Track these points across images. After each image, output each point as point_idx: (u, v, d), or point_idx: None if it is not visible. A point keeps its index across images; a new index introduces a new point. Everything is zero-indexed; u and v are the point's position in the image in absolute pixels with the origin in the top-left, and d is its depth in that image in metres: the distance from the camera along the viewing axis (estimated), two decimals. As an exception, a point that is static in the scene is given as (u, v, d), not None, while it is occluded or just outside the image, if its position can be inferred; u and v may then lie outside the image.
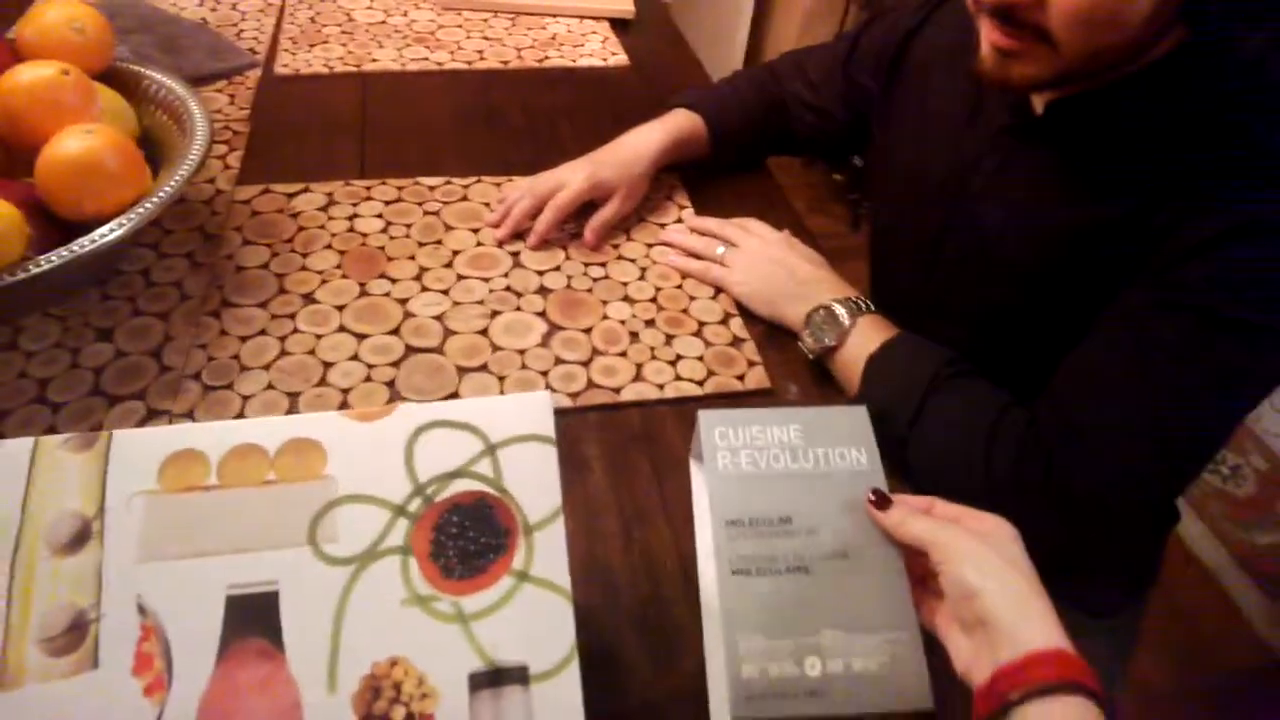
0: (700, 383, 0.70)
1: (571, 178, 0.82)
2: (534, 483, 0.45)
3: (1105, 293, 0.59)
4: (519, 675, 0.42)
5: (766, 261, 0.77)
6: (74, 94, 0.69)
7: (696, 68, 1.22)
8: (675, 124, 0.89)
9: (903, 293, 0.81)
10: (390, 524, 0.44)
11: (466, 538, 0.44)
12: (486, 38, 1.20)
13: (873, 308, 0.71)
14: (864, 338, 0.68)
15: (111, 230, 0.62)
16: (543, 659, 0.42)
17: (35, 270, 0.59)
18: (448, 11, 1.25)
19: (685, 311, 0.77)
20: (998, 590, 0.43)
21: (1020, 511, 0.57)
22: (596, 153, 0.86)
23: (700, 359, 0.72)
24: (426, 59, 1.13)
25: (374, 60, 1.11)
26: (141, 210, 0.64)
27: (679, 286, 0.79)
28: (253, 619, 0.41)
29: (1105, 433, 0.57)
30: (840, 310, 0.70)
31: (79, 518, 0.42)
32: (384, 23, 1.20)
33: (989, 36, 0.58)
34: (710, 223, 0.83)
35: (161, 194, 0.65)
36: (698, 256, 0.81)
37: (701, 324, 0.75)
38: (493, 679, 0.42)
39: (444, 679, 0.42)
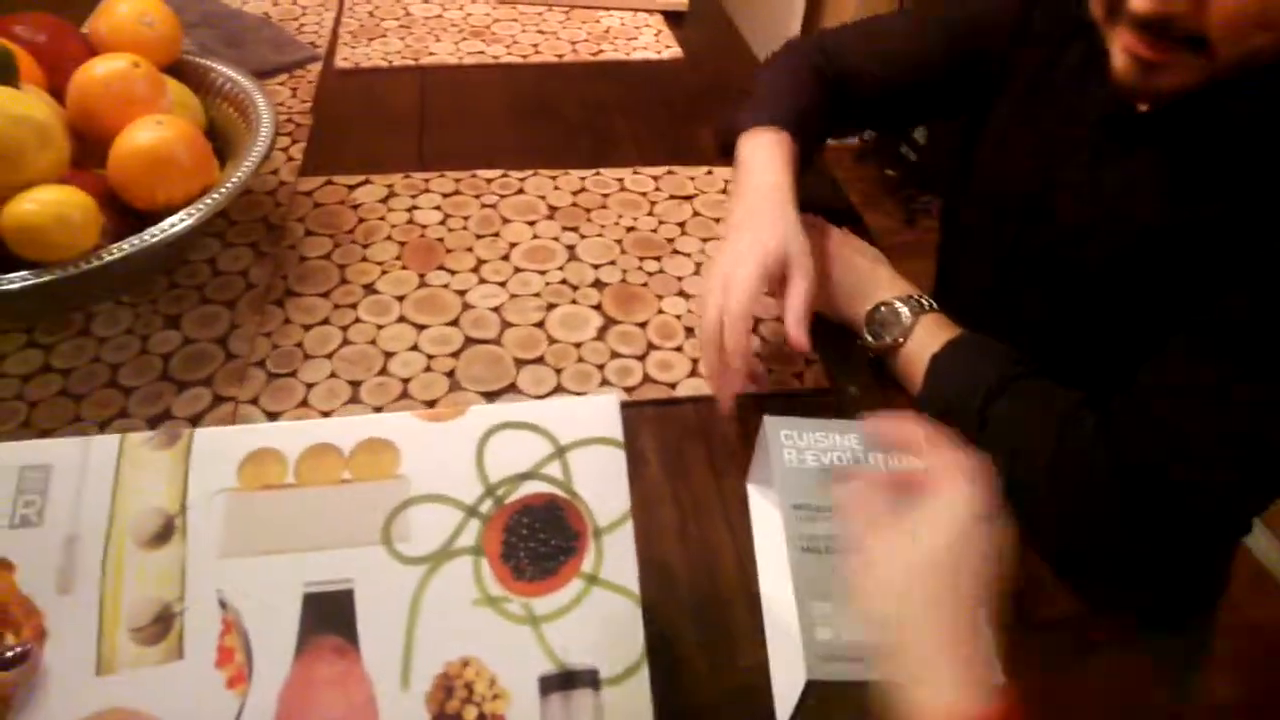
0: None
1: (736, 277, 0.64)
2: (603, 486, 0.46)
3: (1191, 298, 0.57)
4: (590, 679, 0.43)
5: (824, 258, 0.74)
6: (145, 86, 0.70)
7: (750, 59, 1.21)
8: (782, 154, 0.75)
9: (972, 289, 0.79)
10: (462, 524, 0.45)
11: (537, 539, 0.45)
12: (541, 31, 1.20)
13: (934, 305, 0.69)
14: (927, 336, 0.66)
15: (181, 220, 0.63)
16: (613, 664, 0.43)
17: (109, 258, 0.60)
18: (503, 5, 1.26)
19: (741, 307, 0.76)
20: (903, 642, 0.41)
21: (1088, 511, 0.56)
22: (738, 228, 0.68)
23: (757, 355, 0.71)
24: (483, 53, 1.13)
25: (431, 54, 1.12)
26: (210, 200, 0.65)
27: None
28: (329, 616, 0.42)
29: (1191, 441, 0.55)
30: (902, 308, 0.68)
31: (163, 514, 0.43)
32: (440, 17, 1.21)
33: (1129, 48, 0.54)
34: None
35: (229, 185, 0.66)
36: None
37: (758, 320, 0.75)
38: (563, 682, 0.42)
39: (515, 680, 0.42)
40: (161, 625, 0.42)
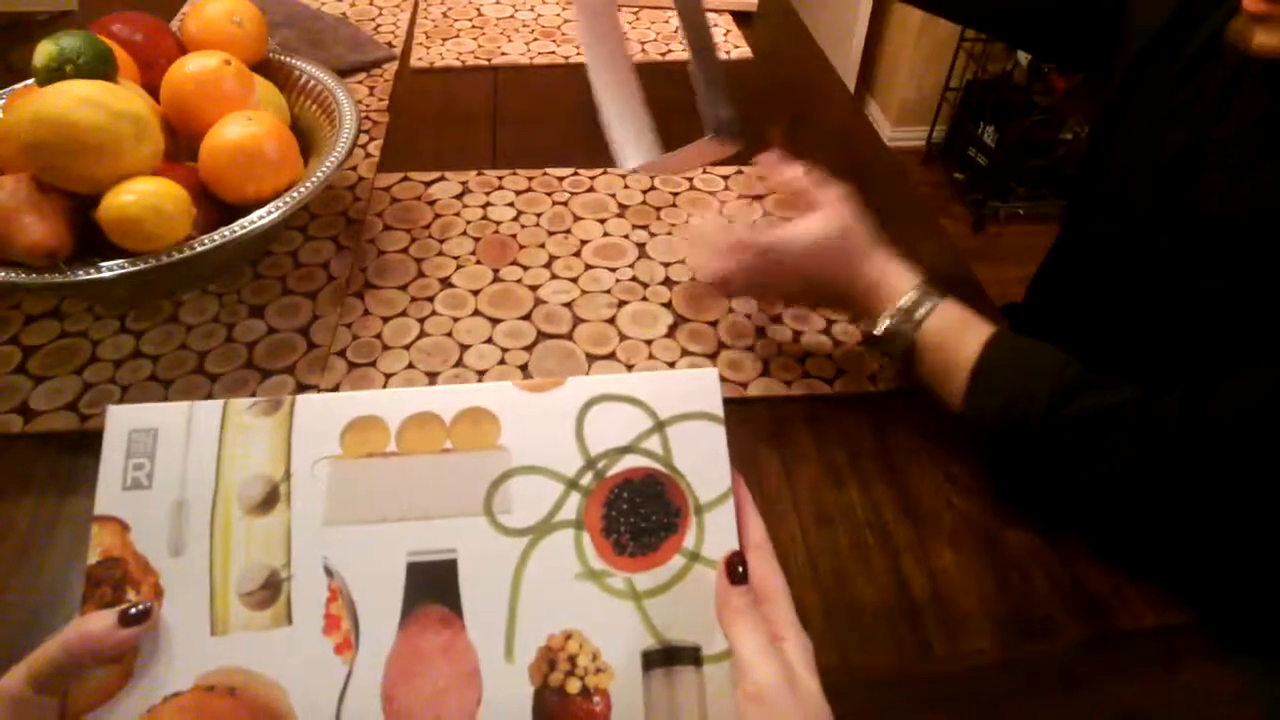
0: (830, 381, 0.69)
1: None
2: (704, 462, 0.45)
3: None
4: (692, 656, 0.42)
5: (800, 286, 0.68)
6: (235, 83, 0.72)
7: (820, 60, 1.20)
8: None
9: (1093, 281, 0.75)
10: (563, 497, 0.45)
11: (638, 514, 0.45)
12: None
13: (944, 294, 0.64)
14: (949, 335, 0.62)
15: (269, 212, 0.65)
16: (715, 641, 0.42)
17: (199, 248, 0.62)
18: (572, 5, 1.27)
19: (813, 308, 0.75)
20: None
21: (1187, 504, 0.54)
22: None
23: (829, 357, 0.71)
24: (553, 53, 1.14)
25: (503, 54, 1.13)
26: (296, 194, 0.66)
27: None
28: (433, 586, 0.43)
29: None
30: (887, 326, 0.63)
31: (268, 480, 0.44)
32: (512, 17, 1.23)
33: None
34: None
35: (314, 179, 0.68)
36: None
37: (830, 321, 0.74)
38: (666, 658, 0.42)
39: (617, 655, 0.42)
40: (270, 591, 0.43)
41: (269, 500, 0.44)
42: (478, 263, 0.78)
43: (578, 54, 1.15)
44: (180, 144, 0.73)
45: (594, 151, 0.93)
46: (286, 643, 0.42)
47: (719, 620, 0.41)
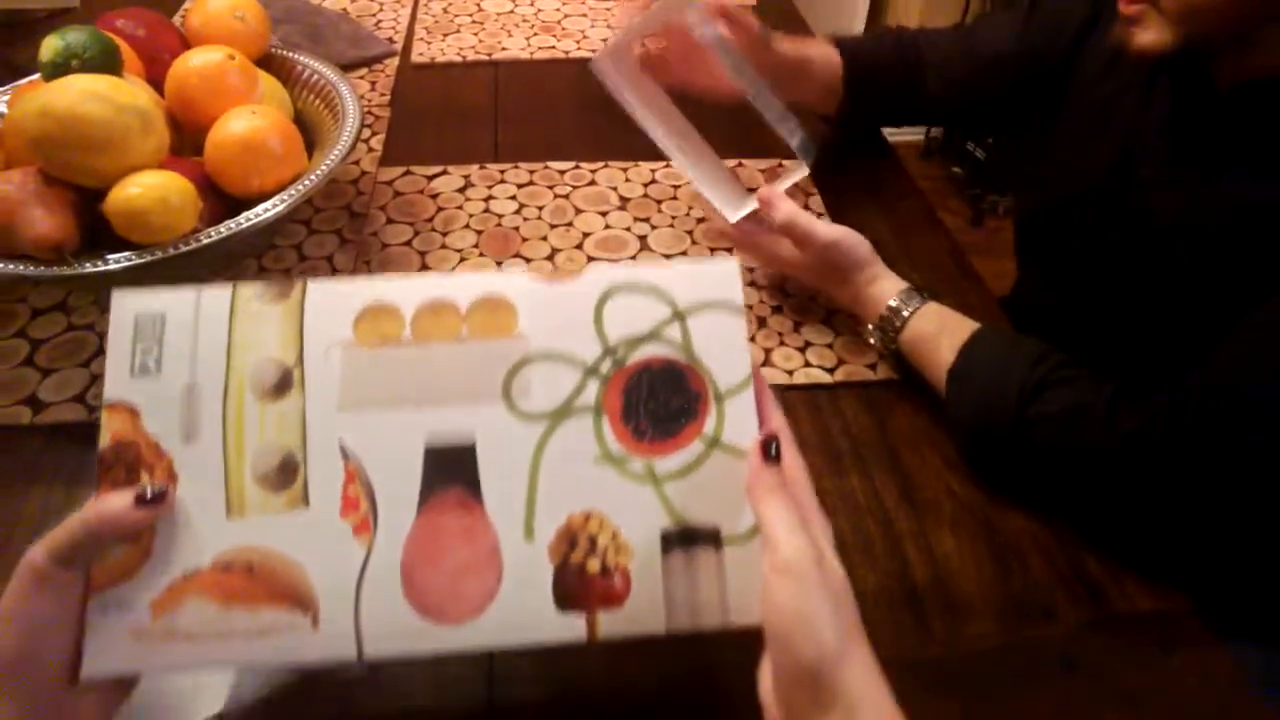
0: (830, 370, 0.69)
1: None
2: (723, 351, 0.45)
3: (1268, 282, 0.56)
4: (711, 537, 0.43)
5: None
6: (239, 77, 0.73)
7: (820, 55, 1.20)
8: (805, 44, 0.87)
9: (1053, 285, 0.78)
10: (582, 384, 0.44)
11: (657, 401, 0.44)
12: (610, 26, 1.21)
13: (928, 296, 0.67)
14: (933, 335, 0.65)
15: (275, 205, 0.65)
16: (735, 524, 0.43)
17: (206, 240, 0.63)
18: (572, 1, 1.27)
19: (813, 299, 0.76)
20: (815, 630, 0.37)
21: (1163, 491, 0.55)
22: None
23: (830, 346, 0.71)
24: (553, 47, 1.15)
25: (504, 49, 1.13)
26: (301, 187, 0.67)
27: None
28: (452, 470, 0.43)
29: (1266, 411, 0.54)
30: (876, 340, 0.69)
31: (280, 366, 0.43)
32: (512, 12, 1.23)
33: (1119, 4, 0.61)
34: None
35: (318, 172, 0.69)
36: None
37: (830, 311, 0.75)
38: (685, 538, 0.43)
39: (637, 535, 0.42)
40: (285, 474, 0.42)
41: (282, 385, 0.43)
42: (481, 255, 0.78)
43: (578, 48, 1.15)
44: (185, 138, 0.73)
45: (595, 145, 0.94)
46: (304, 525, 0.42)
47: (749, 498, 0.41)
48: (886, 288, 0.68)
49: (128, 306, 0.44)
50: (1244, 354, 0.55)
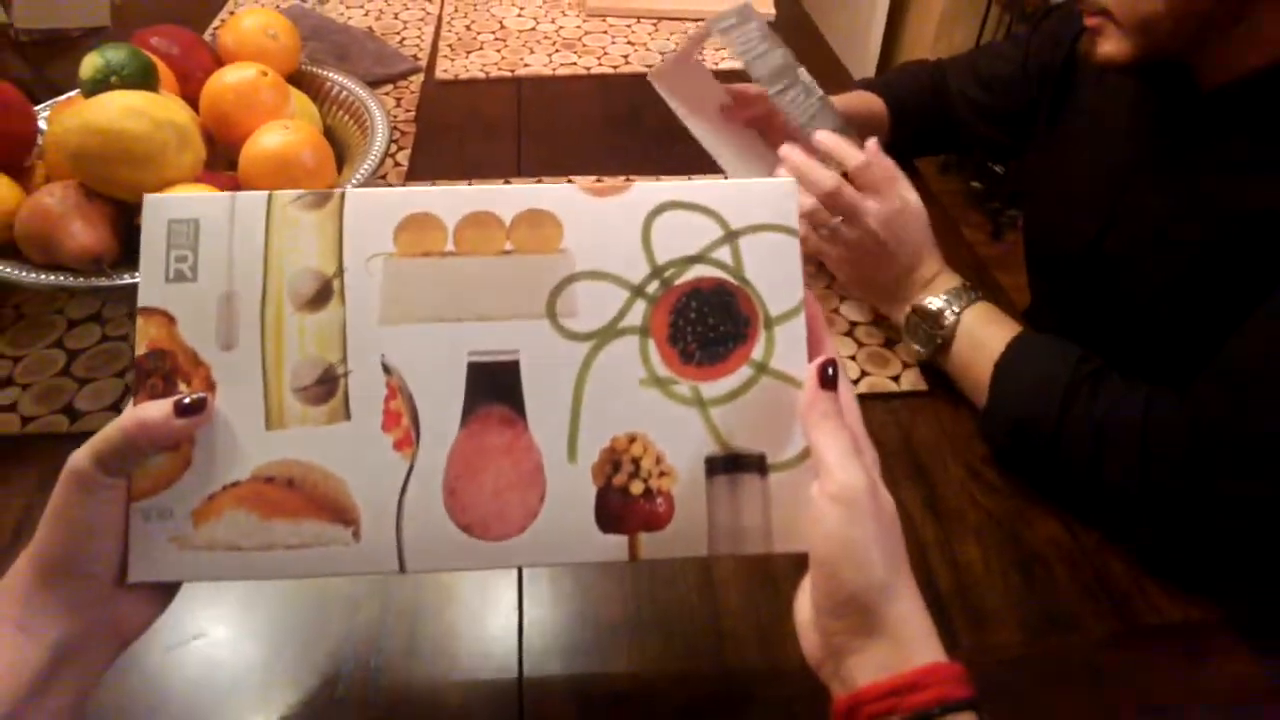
0: (854, 382, 0.70)
1: None
2: (775, 274, 0.44)
3: (1268, 281, 0.57)
4: (756, 464, 0.42)
5: (863, 256, 0.70)
6: (271, 93, 0.75)
7: (838, 68, 1.22)
8: (844, 98, 0.90)
9: (1061, 294, 0.79)
10: (629, 304, 0.43)
11: (706, 324, 0.43)
12: (630, 43, 1.23)
13: (978, 295, 0.68)
14: (969, 339, 0.66)
15: (306, 218, 0.67)
16: (780, 451, 0.42)
17: (240, 253, 0.64)
18: (593, 18, 1.29)
19: (836, 310, 0.77)
20: (883, 576, 0.37)
21: (1181, 503, 0.56)
22: None
23: (853, 358, 0.72)
24: (575, 64, 1.16)
25: (526, 65, 1.15)
26: (332, 200, 0.68)
27: (828, 287, 0.79)
28: (495, 386, 0.42)
29: (1256, 435, 0.54)
30: (937, 306, 0.67)
31: (319, 275, 0.42)
32: (534, 29, 1.25)
33: (1084, 18, 0.65)
34: (836, 183, 0.69)
35: (349, 185, 0.70)
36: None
37: (853, 324, 0.75)
38: (729, 464, 0.42)
39: (681, 459, 0.42)
40: (326, 386, 0.42)
41: (321, 296, 0.42)
42: (506, 268, 0.79)
43: (598, 64, 1.17)
44: (219, 152, 0.75)
45: (616, 160, 0.95)
46: (345, 438, 0.41)
47: (803, 423, 0.41)
48: (948, 279, 0.69)
49: (161, 211, 0.42)
50: (1255, 362, 0.56)
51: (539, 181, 0.91)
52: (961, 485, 0.63)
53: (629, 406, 0.42)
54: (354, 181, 0.70)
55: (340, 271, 0.42)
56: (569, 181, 0.47)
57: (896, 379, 0.70)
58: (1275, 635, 0.61)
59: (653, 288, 0.43)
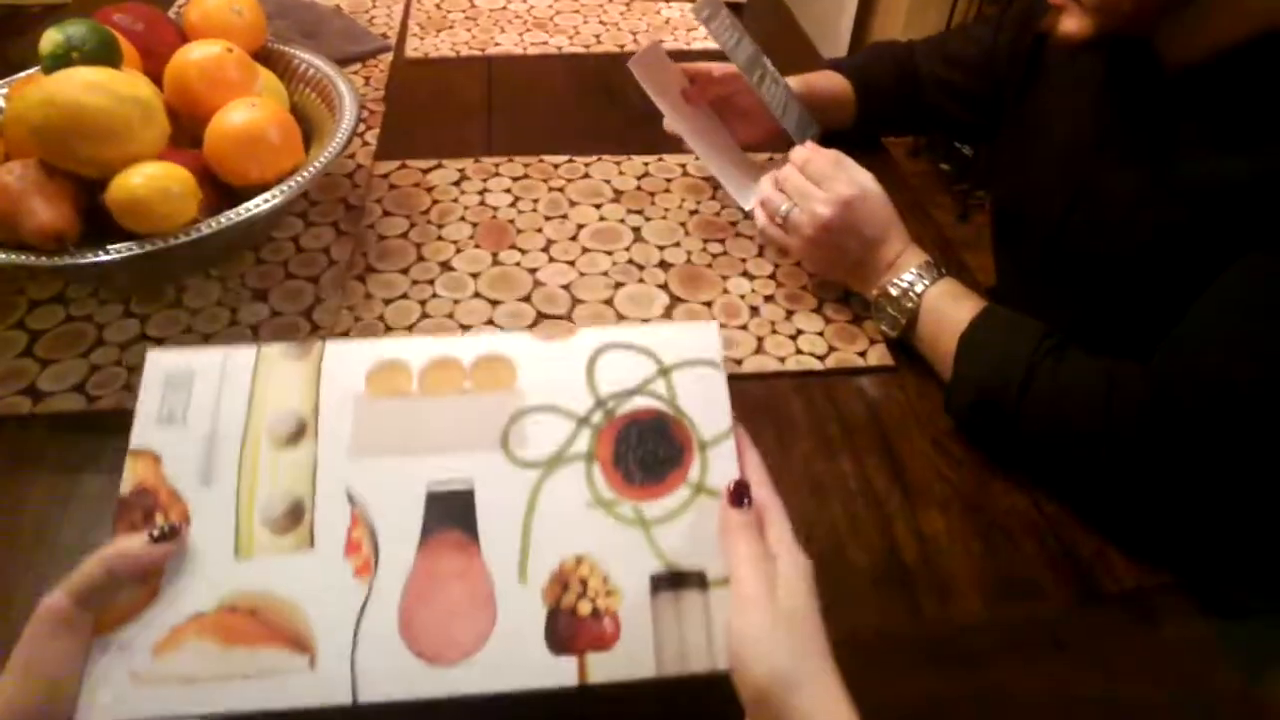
0: (821, 357, 0.71)
1: None
2: (705, 404, 0.48)
3: (1228, 256, 0.58)
4: (697, 580, 0.45)
5: (825, 238, 0.70)
6: (237, 70, 0.74)
7: (810, 51, 1.22)
8: (809, 77, 0.91)
9: (1028, 273, 0.80)
10: (575, 433, 0.47)
11: (645, 448, 0.47)
12: (602, 22, 1.22)
13: (943, 272, 0.69)
14: (935, 314, 0.67)
15: (274, 196, 0.66)
16: (719, 567, 0.45)
17: (207, 231, 0.63)
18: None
19: (804, 288, 0.77)
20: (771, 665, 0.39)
21: (1149, 469, 0.57)
22: None
23: (821, 334, 0.73)
24: (546, 43, 1.16)
25: (497, 44, 1.14)
26: (301, 178, 0.68)
27: (798, 264, 0.80)
28: (451, 513, 0.45)
29: (1238, 389, 0.55)
30: (903, 285, 0.68)
31: (297, 416, 0.47)
32: (505, 9, 1.24)
33: None
34: (785, 170, 0.74)
35: (317, 164, 0.69)
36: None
37: (821, 300, 0.76)
38: (673, 582, 0.45)
39: (627, 578, 0.44)
40: (293, 517, 0.45)
41: (297, 434, 0.47)
42: (476, 247, 0.79)
43: (570, 44, 1.16)
44: (183, 131, 0.74)
45: (589, 138, 0.95)
46: (307, 565, 0.44)
47: (720, 538, 0.45)
48: (915, 255, 0.70)
49: (160, 365, 0.48)
50: (1217, 330, 0.57)
51: (510, 160, 0.91)
52: (927, 458, 0.64)
53: (576, 529, 0.45)
54: (322, 160, 0.70)
55: (316, 411, 0.47)
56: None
57: (864, 354, 0.71)
58: (1227, 600, 0.63)
59: (597, 417, 0.48)
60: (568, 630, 0.43)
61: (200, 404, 0.47)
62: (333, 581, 0.43)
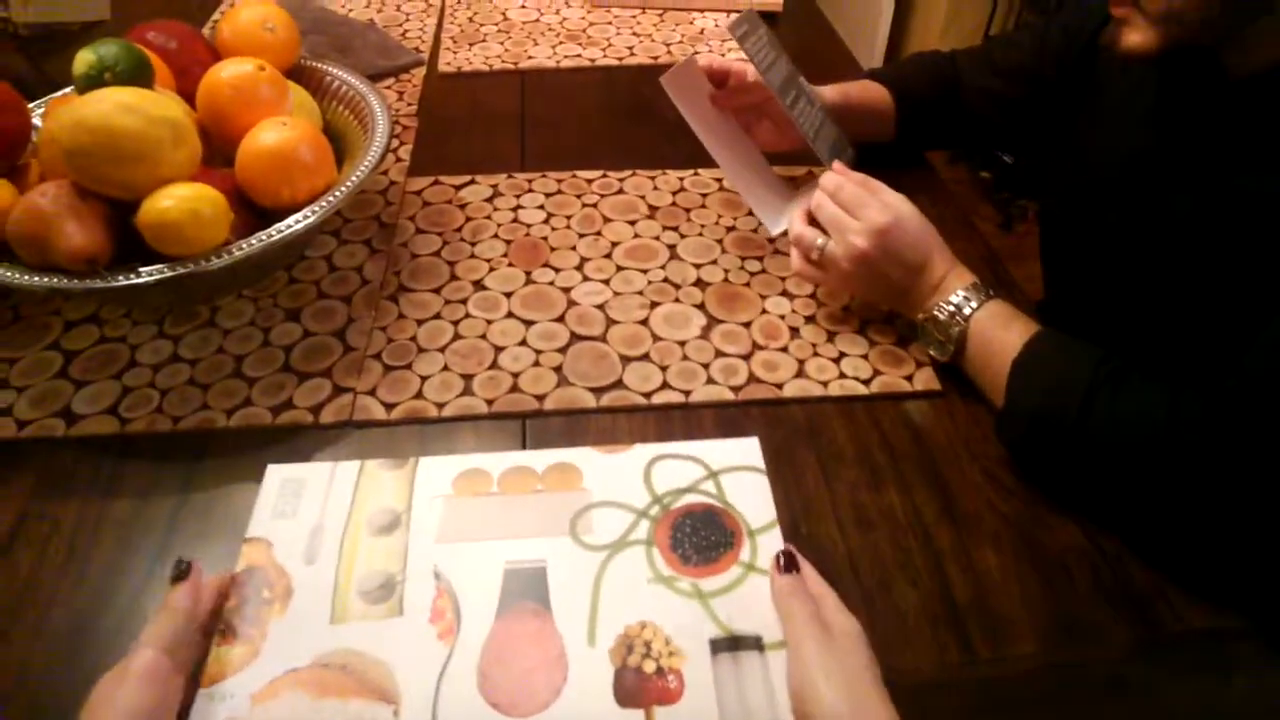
0: (866, 381, 0.68)
1: None
2: (752, 500, 0.56)
3: None
4: (754, 643, 0.49)
5: (864, 271, 0.68)
6: (270, 89, 0.73)
7: (848, 60, 1.20)
8: (847, 86, 0.88)
9: (1080, 286, 0.77)
10: (635, 523, 0.54)
11: (700, 535, 0.54)
12: (635, 34, 1.21)
13: (991, 293, 0.66)
14: (985, 339, 0.64)
15: (306, 216, 0.65)
16: (775, 633, 0.49)
17: (238, 253, 0.63)
18: (597, 9, 1.27)
19: (847, 308, 0.75)
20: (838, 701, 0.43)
21: (1210, 496, 0.55)
22: None
23: (865, 357, 0.70)
24: (579, 55, 1.15)
25: (530, 58, 1.13)
26: (332, 198, 0.67)
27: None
28: (526, 587, 0.51)
29: None
30: (950, 309, 0.65)
31: (392, 511, 0.55)
32: (538, 21, 1.23)
33: (1110, 7, 0.62)
34: (817, 199, 0.70)
35: (349, 183, 0.68)
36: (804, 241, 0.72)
37: (864, 321, 0.73)
38: (731, 644, 0.49)
39: (688, 641, 0.49)
40: (385, 590, 0.51)
41: (391, 525, 0.54)
42: (510, 265, 0.78)
43: (604, 56, 1.15)
44: (215, 149, 0.73)
45: (622, 153, 0.94)
46: (397, 629, 0.49)
47: (774, 602, 0.49)
48: (962, 276, 0.67)
49: (278, 474, 0.57)
50: None
51: (543, 176, 0.89)
52: (978, 489, 0.61)
53: (639, 600, 0.50)
54: (354, 179, 0.69)
55: (409, 509, 0.55)
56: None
57: (910, 378, 0.68)
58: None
59: (654, 511, 0.55)
60: (634, 686, 0.47)
61: (309, 504, 0.55)
62: (418, 643, 0.48)
